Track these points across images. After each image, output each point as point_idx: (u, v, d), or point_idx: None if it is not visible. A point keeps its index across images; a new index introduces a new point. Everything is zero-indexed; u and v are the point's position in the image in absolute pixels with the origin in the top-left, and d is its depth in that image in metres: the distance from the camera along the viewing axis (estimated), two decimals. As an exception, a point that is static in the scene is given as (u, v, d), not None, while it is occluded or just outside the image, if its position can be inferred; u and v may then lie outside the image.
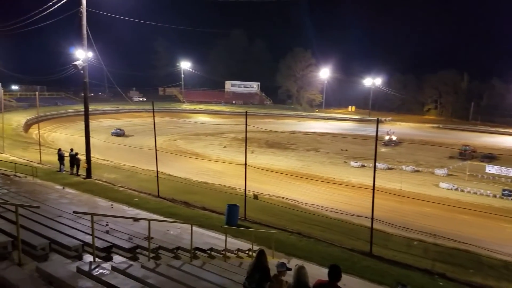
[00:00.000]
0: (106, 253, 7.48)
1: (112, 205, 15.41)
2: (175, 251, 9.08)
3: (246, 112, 18.43)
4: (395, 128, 60.45)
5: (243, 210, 16.10)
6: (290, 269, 6.25)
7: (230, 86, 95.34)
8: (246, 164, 16.78)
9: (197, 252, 9.74)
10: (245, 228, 14.41)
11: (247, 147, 18.05)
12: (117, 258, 7.33)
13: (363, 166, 33.99)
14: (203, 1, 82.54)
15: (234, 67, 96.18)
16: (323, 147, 46.65)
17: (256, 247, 10.06)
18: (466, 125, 75.64)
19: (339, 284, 5.19)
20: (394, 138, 49.44)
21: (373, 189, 13.23)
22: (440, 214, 20.32)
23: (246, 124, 16.61)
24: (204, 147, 43.75)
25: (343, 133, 59.46)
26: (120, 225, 10.39)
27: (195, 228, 10.74)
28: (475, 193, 26.30)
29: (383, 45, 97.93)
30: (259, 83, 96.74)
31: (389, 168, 33.67)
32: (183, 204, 17.66)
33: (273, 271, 5.95)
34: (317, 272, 7.04)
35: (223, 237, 11.33)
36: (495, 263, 13.40)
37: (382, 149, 43.52)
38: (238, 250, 11.07)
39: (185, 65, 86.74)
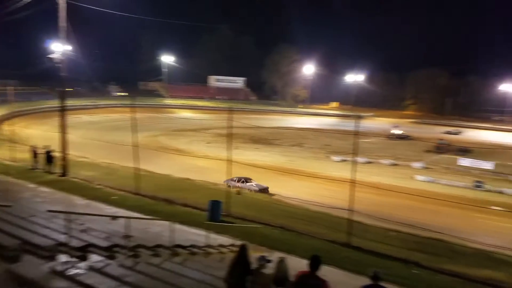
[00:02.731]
0: (82, 252, 7.35)
1: (89, 203, 15.13)
2: (155, 248, 9.05)
3: (230, 108, 18.44)
4: (377, 123, 61.71)
5: (227, 206, 16.15)
6: (270, 262, 6.39)
7: (214, 81, 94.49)
8: (229, 160, 16.83)
9: (178, 249, 9.73)
10: (228, 223, 14.47)
11: (232, 143, 18.07)
12: (94, 257, 7.22)
13: (344, 160, 34.53)
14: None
15: (219, 62, 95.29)
16: (307, 142, 47.06)
17: (239, 243, 10.15)
18: (443, 120, 77.64)
19: (319, 274, 5.36)
20: (400, 132, 53.27)
21: (352, 182, 13.56)
22: (416, 205, 20.91)
23: (230, 120, 16.64)
24: (187, 143, 43.45)
25: (326, 128, 60.10)
26: (98, 223, 10.24)
27: (176, 226, 10.72)
28: (450, 185, 27.12)
29: (367, 43, 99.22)
30: (244, 79, 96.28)
31: (368, 162, 34.31)
32: (164, 201, 17.54)
33: (255, 265, 6.06)
34: (299, 265, 7.20)
35: (206, 233, 11.39)
36: (467, 250, 13.96)
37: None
38: (221, 245, 11.13)
39: (168, 59, 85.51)
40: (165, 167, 26.83)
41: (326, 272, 5.76)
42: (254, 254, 7.87)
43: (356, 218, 14.77)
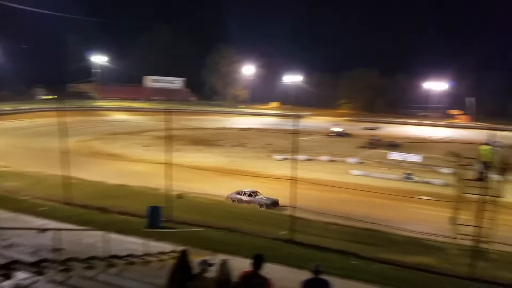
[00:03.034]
0: (6, 270, 6.67)
1: (14, 216, 13.79)
2: (88, 261, 8.48)
3: (168, 109, 17.86)
4: (315, 122, 64.06)
5: (167, 211, 15.65)
6: (212, 265, 6.24)
7: (151, 81, 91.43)
8: (169, 163, 16.30)
9: (113, 260, 9.20)
10: (169, 229, 14.02)
11: (171, 145, 17.53)
12: (20, 275, 6.61)
13: (286, 158, 35.29)
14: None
15: (157, 62, 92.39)
16: (249, 142, 47.31)
17: (181, 248, 9.83)
18: (374, 117, 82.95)
19: (263, 272, 5.33)
20: (340, 129, 56.13)
21: (293, 180, 13.82)
22: (353, 198, 21.96)
23: (168, 122, 16.11)
24: (123, 147, 41.47)
25: (268, 128, 61.01)
26: (24, 238, 9.39)
27: (112, 235, 10.21)
28: (383, 178, 28.80)
29: (303, 44, 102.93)
30: (183, 79, 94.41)
31: (308, 159, 35.44)
32: (98, 210, 16.58)
33: (197, 270, 5.89)
34: (244, 265, 7.12)
35: (144, 241, 10.90)
36: (400, 239, 14.93)
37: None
38: (161, 253, 10.72)
39: (100, 59, 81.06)
40: (99, 173, 25.37)
41: (269, 269, 5.76)
42: (196, 258, 7.65)
43: (298, 214, 15.12)
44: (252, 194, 21.66)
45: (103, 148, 40.41)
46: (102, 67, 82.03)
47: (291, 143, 15.55)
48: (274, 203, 20.94)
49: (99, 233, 10.72)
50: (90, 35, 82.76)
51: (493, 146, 13.34)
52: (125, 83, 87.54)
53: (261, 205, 20.93)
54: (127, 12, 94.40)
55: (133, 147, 41.65)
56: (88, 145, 41.34)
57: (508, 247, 13.23)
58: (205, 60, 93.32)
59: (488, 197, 12.29)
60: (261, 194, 21.87)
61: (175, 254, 10.45)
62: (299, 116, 24.56)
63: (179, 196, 19.91)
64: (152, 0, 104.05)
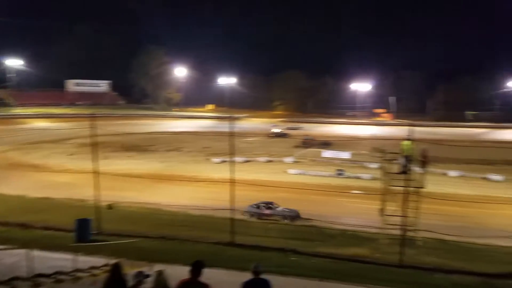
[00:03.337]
0: None
1: None
2: (10, 282, 7.71)
3: (92, 114, 16.72)
4: (251, 123, 64.82)
5: (98, 223, 14.67)
6: (148, 276, 5.97)
7: (74, 85, 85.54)
8: (97, 172, 15.27)
9: (39, 279, 8.42)
10: (100, 242, 13.13)
11: (100, 152, 16.47)
12: None
13: (224, 161, 35.16)
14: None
15: (80, 65, 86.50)
16: (185, 146, 46.31)
17: (114, 261, 9.25)
18: (305, 118, 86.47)
19: (204, 278, 5.17)
20: (279, 130, 58.21)
21: (232, 182, 13.76)
22: (291, 197, 22.51)
23: (94, 128, 15.10)
24: (45, 157, 38.20)
25: (204, 131, 60.33)
26: None
27: (37, 252, 9.37)
28: (317, 175, 30.06)
29: (237, 47, 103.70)
30: (109, 82, 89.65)
31: (246, 161, 35.72)
32: (19, 226, 15.07)
33: (131, 282, 5.58)
34: (183, 273, 6.87)
35: (73, 257, 10.12)
36: (335, 232, 15.64)
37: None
38: (92, 267, 10.02)
39: (15, 63, 73.86)
40: (19, 186, 23.17)
41: (210, 275, 5.63)
42: (131, 270, 7.22)
43: (238, 216, 15.09)
44: (271, 206, 19.80)
45: (23, 159, 36.85)
46: (18, 71, 74.81)
47: (228, 146, 15.47)
48: (297, 215, 19.24)
49: (22, 251, 9.80)
50: (2, 37, 75.45)
51: (413, 141, 14.44)
52: (46, 88, 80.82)
53: (285, 218, 19.14)
54: (44, 12, 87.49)
55: (57, 156, 38.62)
56: (5, 157, 37.44)
57: (432, 233, 14.47)
58: (132, 61, 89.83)
59: (411, 189, 13.32)
60: (278, 205, 19.99)
61: (108, 268, 9.83)
62: (235, 118, 24.54)
63: (110, 207, 18.82)
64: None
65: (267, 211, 19.50)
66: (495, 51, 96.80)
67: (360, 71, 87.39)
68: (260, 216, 19.31)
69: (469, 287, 11.07)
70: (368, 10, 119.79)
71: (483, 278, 11.27)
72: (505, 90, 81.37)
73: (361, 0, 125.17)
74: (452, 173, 30.43)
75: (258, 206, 19.72)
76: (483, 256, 13.29)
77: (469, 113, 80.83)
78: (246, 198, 19.73)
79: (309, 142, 46.10)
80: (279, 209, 19.67)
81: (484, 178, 29.17)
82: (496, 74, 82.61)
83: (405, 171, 14.06)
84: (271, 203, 19.96)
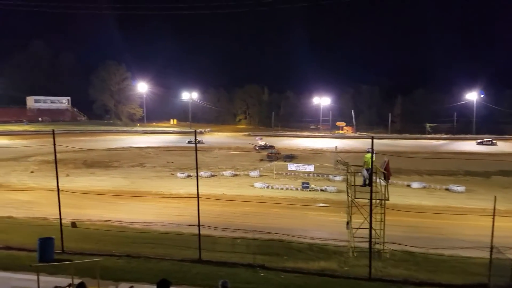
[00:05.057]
0: None
1: None
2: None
3: (52, 130, 16.16)
4: (213, 138, 64.65)
5: (61, 242, 14.12)
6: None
7: (33, 102, 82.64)
8: (59, 190, 14.73)
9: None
10: (64, 261, 12.64)
11: (62, 169, 15.91)
12: None
13: (189, 176, 34.84)
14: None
15: (38, 81, 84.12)
16: (149, 162, 45.53)
17: (78, 281, 8.99)
18: (269, 131, 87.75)
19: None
20: (263, 143, 58.73)
21: (197, 197, 13.76)
22: (258, 211, 22.72)
23: (54, 144, 14.62)
24: (5, 174, 36.20)
25: (167, 146, 59.42)
26: None
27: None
28: (282, 189, 30.42)
29: (197, 61, 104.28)
30: (69, 98, 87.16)
31: (212, 175, 35.64)
32: (-25, 248, 14.11)
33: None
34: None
35: (35, 277, 9.72)
36: (302, 246, 15.82)
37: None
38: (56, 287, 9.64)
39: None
40: (-26, 206, 21.69)
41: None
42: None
43: (205, 231, 15.00)
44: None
45: (-21, 178, 34.58)
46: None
47: (193, 160, 15.44)
48: None
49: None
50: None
51: (374, 153, 14.89)
52: (4, 105, 77.54)
53: None
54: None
55: (16, 174, 36.76)
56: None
57: (398, 246, 14.77)
58: (92, 77, 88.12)
59: (376, 201, 13.73)
60: None
61: (74, 288, 9.52)
62: (200, 133, 24.63)
63: (73, 225, 18.16)
64: (26, 16, 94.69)
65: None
66: (452, 64, 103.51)
67: (321, 85, 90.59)
68: None
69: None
70: (327, 26, 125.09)
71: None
72: (462, 102, 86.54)
73: (321, 18, 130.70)
74: (415, 184, 31.08)
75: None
76: (450, 267, 13.45)
77: (428, 125, 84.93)
78: (212, 213, 19.70)
79: (274, 156, 46.76)
80: None
81: (447, 189, 29.84)
82: (453, 86, 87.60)
83: (368, 183, 14.16)
84: None
